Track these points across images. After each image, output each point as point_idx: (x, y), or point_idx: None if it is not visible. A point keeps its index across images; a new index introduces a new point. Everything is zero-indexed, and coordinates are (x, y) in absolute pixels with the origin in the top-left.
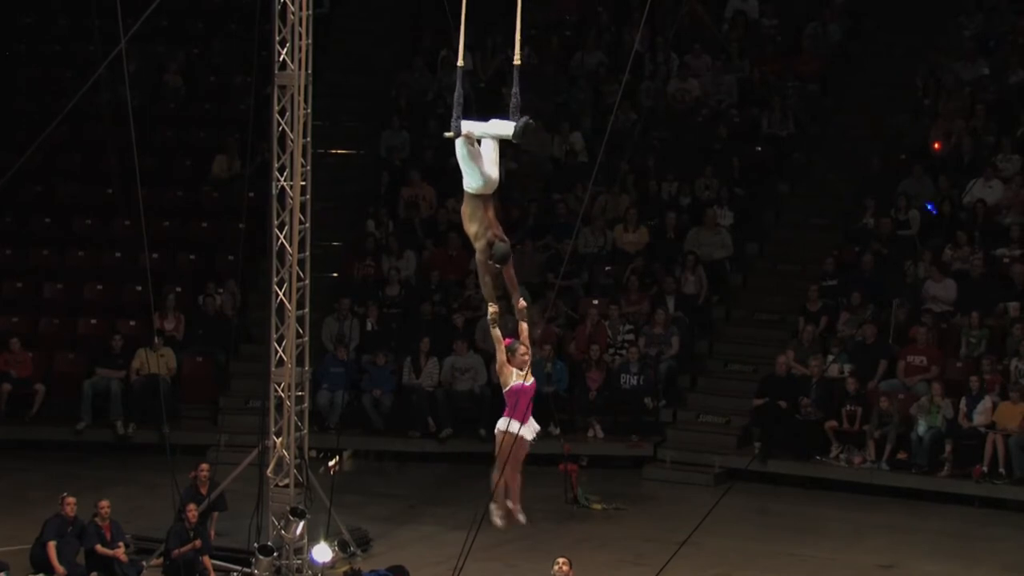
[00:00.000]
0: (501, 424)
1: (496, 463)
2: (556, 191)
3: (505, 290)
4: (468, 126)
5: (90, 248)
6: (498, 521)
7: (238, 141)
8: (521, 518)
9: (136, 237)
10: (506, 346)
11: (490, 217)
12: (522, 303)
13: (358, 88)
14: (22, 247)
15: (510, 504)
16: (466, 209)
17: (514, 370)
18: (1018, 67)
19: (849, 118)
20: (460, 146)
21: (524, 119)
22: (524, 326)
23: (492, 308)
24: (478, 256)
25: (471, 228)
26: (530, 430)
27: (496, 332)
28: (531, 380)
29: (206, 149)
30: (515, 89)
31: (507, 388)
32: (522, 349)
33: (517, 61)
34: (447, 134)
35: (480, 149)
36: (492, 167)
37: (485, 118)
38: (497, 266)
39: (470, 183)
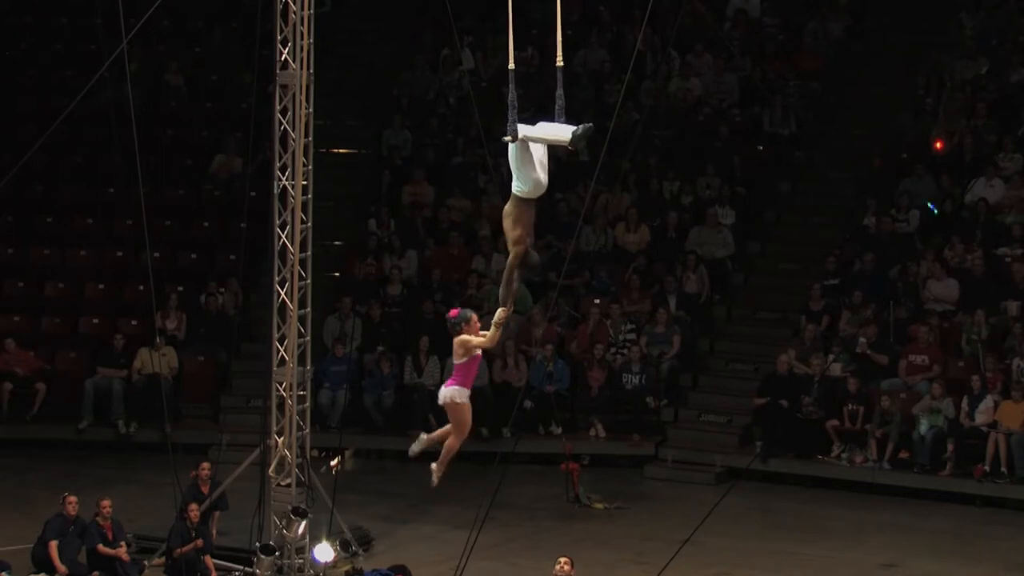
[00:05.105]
0: (453, 395)
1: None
2: (558, 190)
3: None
4: (524, 130)
5: (91, 247)
6: (435, 479)
7: (239, 140)
8: (435, 478)
9: (137, 236)
10: (455, 316)
11: (529, 223)
12: (502, 314)
13: (360, 87)
14: (24, 246)
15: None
16: (511, 210)
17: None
18: (1020, 65)
19: (850, 117)
20: (513, 149)
21: (585, 126)
22: (478, 328)
23: (502, 311)
24: (511, 260)
25: (514, 231)
26: (462, 394)
27: (495, 333)
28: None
29: (207, 148)
30: (559, 91)
31: (464, 360)
32: (474, 317)
33: (559, 63)
34: (505, 138)
35: (531, 153)
36: (542, 171)
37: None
38: (527, 274)
39: (519, 186)
